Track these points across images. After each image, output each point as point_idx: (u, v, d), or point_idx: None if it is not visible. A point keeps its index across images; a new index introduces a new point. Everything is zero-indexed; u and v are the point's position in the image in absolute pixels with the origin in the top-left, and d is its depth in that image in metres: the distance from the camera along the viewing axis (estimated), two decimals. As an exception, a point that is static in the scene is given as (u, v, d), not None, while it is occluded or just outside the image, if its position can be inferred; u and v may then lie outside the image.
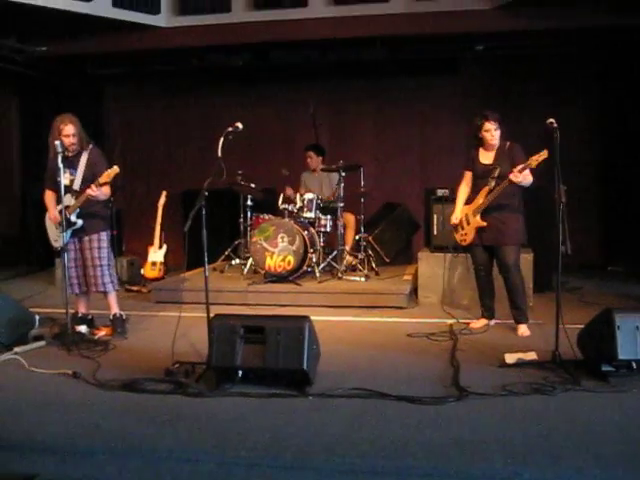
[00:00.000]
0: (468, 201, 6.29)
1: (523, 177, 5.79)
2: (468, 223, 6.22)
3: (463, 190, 6.38)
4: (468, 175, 6.35)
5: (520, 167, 5.73)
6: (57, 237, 6.25)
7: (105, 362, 5.23)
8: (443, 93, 10.62)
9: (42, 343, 5.78)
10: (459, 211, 6.33)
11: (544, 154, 5.46)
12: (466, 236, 6.26)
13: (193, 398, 4.36)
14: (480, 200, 6.09)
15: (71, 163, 6.17)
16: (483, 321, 6.42)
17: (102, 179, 5.98)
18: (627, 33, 8.56)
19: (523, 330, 6.06)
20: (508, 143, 6.16)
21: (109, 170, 5.98)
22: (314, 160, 8.98)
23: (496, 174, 5.98)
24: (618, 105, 9.85)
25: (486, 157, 6.20)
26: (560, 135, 5.00)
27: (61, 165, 5.74)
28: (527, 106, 9.81)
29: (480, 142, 6.22)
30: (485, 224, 6.06)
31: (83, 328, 6.11)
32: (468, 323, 6.43)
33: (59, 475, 3.49)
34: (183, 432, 3.77)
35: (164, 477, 3.43)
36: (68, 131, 6.14)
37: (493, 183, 5.99)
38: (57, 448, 3.62)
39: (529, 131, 9.75)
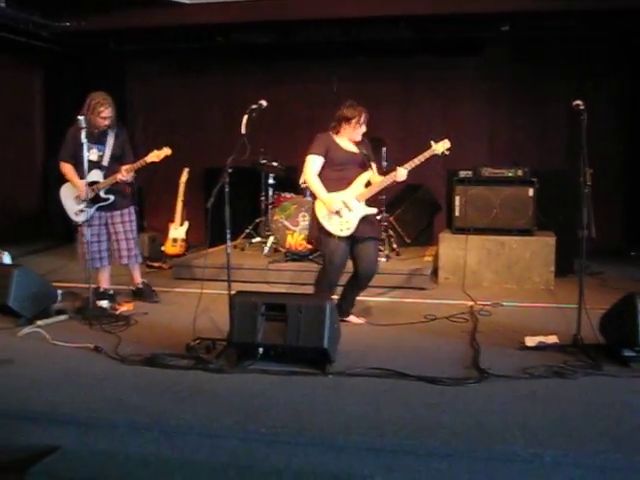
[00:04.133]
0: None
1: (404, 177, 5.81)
2: (350, 210, 5.65)
3: (316, 177, 5.75)
4: (320, 161, 5.77)
5: (413, 162, 5.93)
6: (77, 211, 6.37)
7: (126, 337, 5.27)
8: (467, 74, 10.53)
9: (64, 317, 5.83)
10: (334, 197, 5.65)
11: (447, 143, 5.88)
12: (349, 224, 5.64)
13: (214, 374, 4.38)
14: (361, 188, 5.74)
15: (97, 139, 6.26)
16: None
17: (149, 158, 6.20)
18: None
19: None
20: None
21: (159, 151, 6.18)
22: None
23: (368, 162, 5.89)
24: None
25: (347, 145, 5.82)
26: (586, 118, 4.94)
27: (85, 140, 5.76)
28: (552, 89, 9.71)
29: (340, 129, 5.84)
30: (376, 211, 5.94)
31: (105, 303, 6.15)
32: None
33: (81, 447, 3.53)
34: (203, 407, 3.80)
35: (184, 452, 3.46)
36: (107, 114, 6.26)
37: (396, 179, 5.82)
38: (79, 421, 3.66)
39: (554, 113, 9.72)
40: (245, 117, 5.25)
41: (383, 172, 8.31)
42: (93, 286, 5.96)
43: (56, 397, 3.95)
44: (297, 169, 9.11)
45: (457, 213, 7.84)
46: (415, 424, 3.54)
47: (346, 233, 5.56)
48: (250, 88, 9.87)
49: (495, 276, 7.48)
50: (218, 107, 10.99)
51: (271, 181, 8.81)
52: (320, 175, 5.67)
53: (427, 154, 5.78)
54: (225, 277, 5.22)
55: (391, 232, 8.59)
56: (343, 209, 5.56)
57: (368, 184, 5.71)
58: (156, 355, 4.66)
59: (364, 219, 5.62)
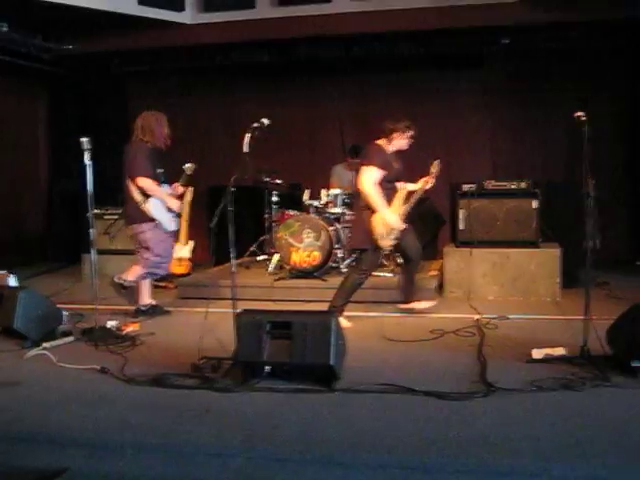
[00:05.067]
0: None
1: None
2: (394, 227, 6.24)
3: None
4: (382, 175, 6.19)
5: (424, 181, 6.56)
6: (171, 221, 6.81)
7: (132, 357, 5.26)
8: (468, 87, 10.55)
9: (70, 339, 5.83)
10: (394, 215, 6.20)
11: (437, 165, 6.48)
12: (392, 242, 6.26)
13: (220, 393, 4.36)
14: (401, 204, 6.33)
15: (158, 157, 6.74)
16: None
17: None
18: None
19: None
20: None
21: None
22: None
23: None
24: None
25: (393, 159, 6.37)
26: (588, 129, 4.95)
27: (88, 162, 5.78)
28: (553, 101, 9.73)
29: (390, 142, 6.33)
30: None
31: (111, 323, 6.15)
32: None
33: (88, 469, 3.51)
34: (211, 427, 3.79)
35: (192, 472, 3.44)
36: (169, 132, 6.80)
37: (427, 186, 6.63)
38: (86, 443, 3.65)
39: (555, 126, 9.73)
40: (247, 135, 5.27)
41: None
42: (100, 307, 5.96)
43: (63, 419, 3.95)
44: (300, 186, 9.16)
45: (461, 227, 7.84)
46: (423, 440, 3.52)
47: (390, 249, 6.26)
48: (252, 106, 9.88)
49: (501, 289, 7.47)
50: (220, 126, 11.02)
51: (275, 199, 8.83)
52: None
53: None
54: (230, 295, 5.21)
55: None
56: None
57: (407, 197, 6.26)
58: (162, 375, 4.65)
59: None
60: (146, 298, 6.90)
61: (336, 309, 6.08)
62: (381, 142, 6.22)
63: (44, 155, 11.59)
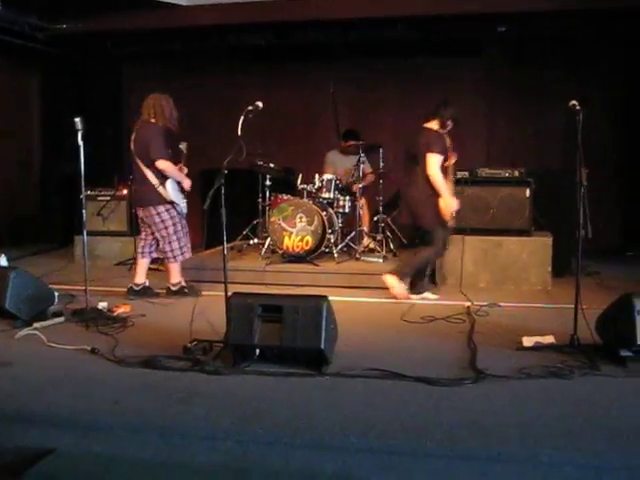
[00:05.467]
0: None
1: None
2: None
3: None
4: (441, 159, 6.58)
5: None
6: (184, 203, 6.92)
7: (123, 339, 5.26)
8: (465, 75, 10.54)
9: (61, 319, 5.82)
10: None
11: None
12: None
13: (210, 376, 4.37)
14: (449, 180, 6.75)
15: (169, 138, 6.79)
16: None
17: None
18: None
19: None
20: None
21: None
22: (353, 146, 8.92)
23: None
24: (641, 89, 9.76)
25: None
26: (583, 118, 4.95)
27: (79, 143, 5.76)
28: (550, 88, 9.72)
29: (443, 127, 6.66)
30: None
31: (102, 305, 6.14)
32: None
33: (77, 450, 3.51)
34: (200, 409, 3.79)
35: (181, 453, 3.45)
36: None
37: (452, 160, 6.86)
38: (75, 423, 3.65)
39: (550, 113, 9.72)
40: (241, 118, 5.25)
41: (380, 173, 8.38)
42: (91, 288, 5.96)
43: (53, 399, 3.94)
44: (294, 170, 9.14)
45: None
46: (412, 425, 3.54)
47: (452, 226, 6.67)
48: (248, 90, 9.86)
49: (492, 277, 7.49)
50: (215, 108, 10.99)
51: (268, 182, 8.80)
52: None
53: None
54: (222, 279, 5.21)
55: (388, 233, 8.59)
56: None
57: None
58: (153, 357, 4.65)
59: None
60: (142, 277, 6.93)
61: (400, 275, 6.66)
62: (434, 126, 6.56)
63: (37, 135, 11.53)
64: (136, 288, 6.86)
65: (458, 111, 6.60)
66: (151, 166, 6.61)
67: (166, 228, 6.73)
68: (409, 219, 6.75)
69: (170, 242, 6.77)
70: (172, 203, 6.71)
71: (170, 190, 6.67)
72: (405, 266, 6.74)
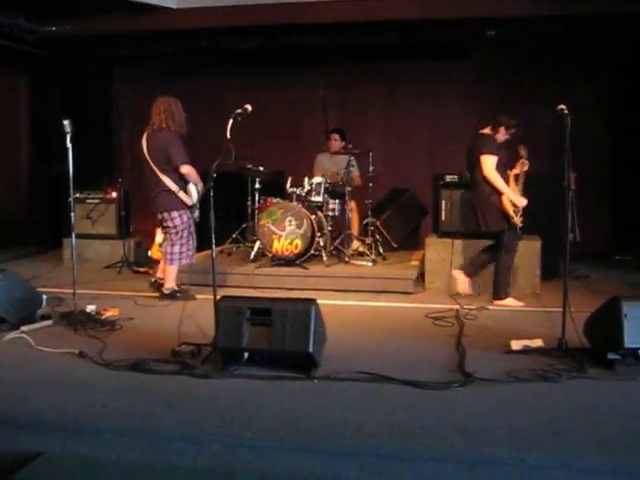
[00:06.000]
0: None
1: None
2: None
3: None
4: (496, 160, 6.62)
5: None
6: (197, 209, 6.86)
7: (111, 342, 5.24)
8: (454, 79, 10.57)
9: (49, 322, 5.79)
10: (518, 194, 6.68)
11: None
12: (522, 218, 6.63)
13: (199, 379, 4.36)
14: (514, 184, 6.69)
15: None
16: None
17: None
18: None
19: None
20: None
21: None
22: (337, 143, 8.98)
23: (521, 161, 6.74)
24: (630, 95, 9.78)
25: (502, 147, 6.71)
26: (570, 122, 4.97)
27: (69, 145, 5.75)
28: (538, 93, 9.76)
29: (497, 133, 6.69)
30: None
31: (90, 308, 6.12)
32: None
33: (64, 453, 3.51)
34: (188, 413, 3.79)
35: (169, 457, 3.44)
36: None
37: (525, 168, 6.75)
38: (63, 427, 3.64)
39: (539, 118, 9.75)
40: (230, 122, 5.25)
41: (370, 177, 8.38)
42: (80, 291, 5.94)
43: (40, 403, 3.92)
44: (283, 173, 9.14)
45: (443, 217, 7.85)
46: (400, 428, 3.54)
47: (520, 225, 6.59)
48: (236, 93, 9.85)
49: (481, 280, 7.48)
50: (204, 111, 10.95)
51: (257, 186, 8.78)
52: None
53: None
54: (211, 282, 5.21)
55: (377, 237, 8.60)
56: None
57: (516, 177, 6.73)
58: (141, 360, 4.63)
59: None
60: (172, 281, 6.92)
61: (505, 296, 6.72)
62: (488, 132, 6.72)
63: (25, 138, 11.47)
64: (167, 292, 6.88)
65: (515, 124, 6.66)
66: (168, 172, 6.65)
67: (177, 233, 6.77)
68: (478, 227, 6.80)
69: (173, 244, 6.80)
70: (190, 208, 6.74)
71: (194, 194, 6.71)
72: (499, 289, 6.74)
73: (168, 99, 6.73)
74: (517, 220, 6.56)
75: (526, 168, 6.80)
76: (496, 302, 6.70)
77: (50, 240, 10.31)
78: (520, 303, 6.68)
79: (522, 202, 6.60)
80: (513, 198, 6.54)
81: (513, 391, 4.13)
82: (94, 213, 9.35)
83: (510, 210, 6.53)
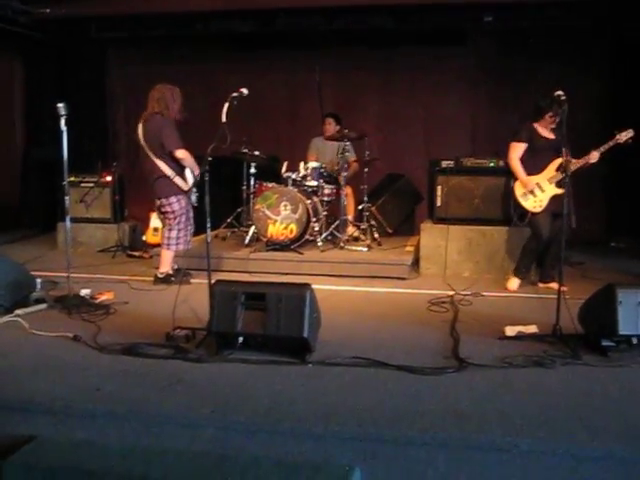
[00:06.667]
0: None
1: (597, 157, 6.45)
2: (542, 191, 6.52)
3: (518, 161, 6.64)
4: (523, 147, 6.62)
5: (605, 147, 6.40)
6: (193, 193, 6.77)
7: (106, 326, 5.24)
8: (450, 64, 10.52)
9: (43, 306, 5.79)
10: (529, 179, 6.58)
11: (630, 133, 6.19)
12: (541, 202, 6.54)
13: (193, 363, 4.36)
14: (552, 171, 6.50)
15: None
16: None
17: None
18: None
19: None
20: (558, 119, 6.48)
21: None
22: (332, 127, 8.95)
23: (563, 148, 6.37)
24: (627, 81, 9.75)
25: (545, 132, 6.60)
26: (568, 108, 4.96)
27: (64, 128, 5.73)
28: (534, 79, 9.71)
29: (539, 118, 6.59)
30: (563, 192, 6.31)
31: (84, 291, 6.11)
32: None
33: (59, 437, 3.51)
34: (183, 397, 3.79)
35: (163, 441, 3.45)
36: None
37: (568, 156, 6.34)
38: (56, 410, 3.64)
39: (537, 104, 9.70)
40: (226, 105, 5.22)
41: (366, 162, 8.36)
42: (74, 275, 5.92)
43: (34, 386, 3.93)
44: (279, 158, 9.11)
45: (439, 203, 7.83)
46: (394, 413, 3.55)
47: (538, 210, 6.51)
48: (232, 76, 9.78)
49: (476, 266, 7.50)
50: (200, 95, 10.88)
51: (253, 170, 8.76)
52: (522, 158, 6.61)
53: (611, 142, 6.33)
54: (206, 266, 5.20)
55: (373, 222, 8.59)
56: (536, 189, 6.51)
57: (560, 167, 6.27)
58: (135, 344, 4.64)
59: (556, 197, 6.38)
60: (167, 265, 6.92)
61: (521, 275, 6.81)
62: (533, 119, 6.68)
63: (19, 120, 11.39)
64: (161, 276, 6.89)
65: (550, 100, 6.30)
66: (164, 157, 6.65)
67: (175, 218, 6.79)
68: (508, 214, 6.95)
69: (170, 229, 6.82)
70: (186, 192, 6.73)
71: (190, 179, 6.72)
72: (518, 267, 6.86)
73: (165, 87, 6.74)
74: (529, 205, 6.54)
75: (593, 160, 6.49)
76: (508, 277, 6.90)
77: (44, 224, 10.28)
78: (514, 288, 6.71)
79: (528, 184, 6.55)
80: (522, 182, 6.57)
81: (507, 377, 4.14)
82: (88, 197, 9.31)
83: (518, 195, 6.58)
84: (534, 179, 6.53)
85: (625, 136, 6.28)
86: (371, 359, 4.35)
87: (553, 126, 6.55)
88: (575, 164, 6.30)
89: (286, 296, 4.42)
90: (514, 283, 6.76)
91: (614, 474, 3.11)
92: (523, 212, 6.62)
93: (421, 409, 3.59)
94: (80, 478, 3.16)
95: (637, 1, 8.27)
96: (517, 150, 6.62)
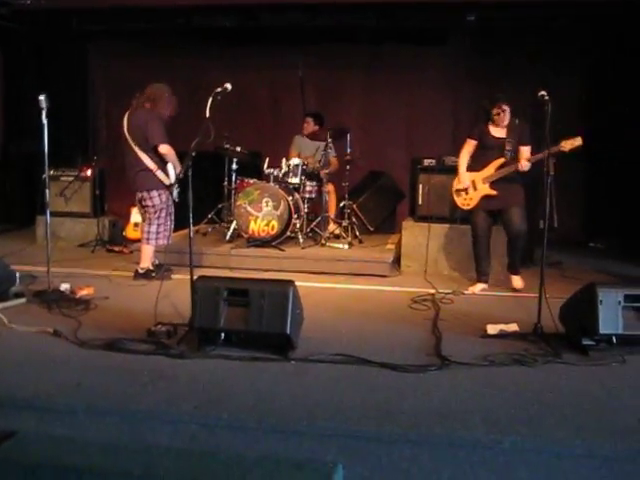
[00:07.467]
0: (469, 168, 6.67)
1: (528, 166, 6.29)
2: (475, 189, 6.59)
3: (465, 157, 6.70)
4: (472, 144, 6.65)
5: (539, 156, 6.09)
6: (176, 189, 6.68)
7: (86, 321, 5.19)
8: (432, 63, 10.55)
9: (22, 300, 5.73)
10: (465, 176, 6.64)
11: (577, 141, 6.00)
12: (470, 201, 6.63)
13: (175, 359, 4.34)
14: (492, 170, 6.50)
15: None
16: (481, 285, 6.70)
17: None
18: (618, 6, 8.49)
19: (518, 282, 6.68)
20: (517, 120, 6.56)
21: None
22: (310, 127, 8.96)
23: (509, 147, 6.44)
24: (605, 81, 9.82)
25: (496, 131, 6.57)
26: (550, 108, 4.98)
27: (45, 121, 5.67)
28: (515, 78, 9.75)
29: (490, 118, 6.57)
30: (495, 193, 6.48)
31: (64, 286, 6.06)
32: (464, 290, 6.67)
33: (39, 432, 3.48)
34: (164, 393, 3.77)
35: (145, 437, 3.43)
36: None
37: (508, 156, 6.43)
38: (37, 406, 3.61)
39: (516, 103, 9.74)
40: (210, 100, 5.19)
41: (346, 161, 8.36)
42: (58, 269, 5.88)
43: (13, 381, 3.89)
44: (261, 154, 9.09)
45: (420, 201, 7.86)
46: (377, 410, 3.55)
47: (466, 207, 6.67)
48: (215, 71, 9.75)
49: (457, 264, 7.53)
50: (182, 90, 10.74)
51: (234, 166, 8.73)
52: (474, 155, 6.66)
53: (554, 149, 5.79)
54: (187, 262, 5.17)
55: (354, 219, 8.59)
56: (470, 187, 6.60)
57: (502, 167, 6.44)
58: (116, 340, 4.60)
59: (490, 196, 6.49)
60: (148, 261, 6.90)
61: (479, 274, 6.80)
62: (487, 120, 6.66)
63: (-2, 113, 11.29)
64: (141, 271, 6.88)
65: (490, 101, 6.58)
66: (148, 151, 6.64)
67: (155, 212, 6.78)
68: None
69: (150, 224, 6.81)
70: (169, 187, 6.70)
71: (172, 174, 6.68)
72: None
73: (158, 86, 6.80)
74: (459, 202, 6.71)
75: (522, 168, 6.34)
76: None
77: (23, 217, 10.18)
78: (476, 289, 6.67)
79: (461, 180, 6.65)
80: (459, 177, 6.67)
81: (489, 375, 4.15)
82: (68, 191, 9.24)
83: (453, 191, 6.74)
84: (472, 176, 6.60)
85: (571, 145, 6.00)
86: (354, 356, 4.35)
87: (505, 123, 6.51)
88: (507, 169, 6.39)
89: (269, 292, 4.41)
90: (474, 287, 6.73)
91: (596, 471, 3.13)
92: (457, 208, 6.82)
93: (405, 407, 3.60)
94: (61, 474, 3.13)
95: (614, 2, 8.34)
96: (466, 146, 6.69)
